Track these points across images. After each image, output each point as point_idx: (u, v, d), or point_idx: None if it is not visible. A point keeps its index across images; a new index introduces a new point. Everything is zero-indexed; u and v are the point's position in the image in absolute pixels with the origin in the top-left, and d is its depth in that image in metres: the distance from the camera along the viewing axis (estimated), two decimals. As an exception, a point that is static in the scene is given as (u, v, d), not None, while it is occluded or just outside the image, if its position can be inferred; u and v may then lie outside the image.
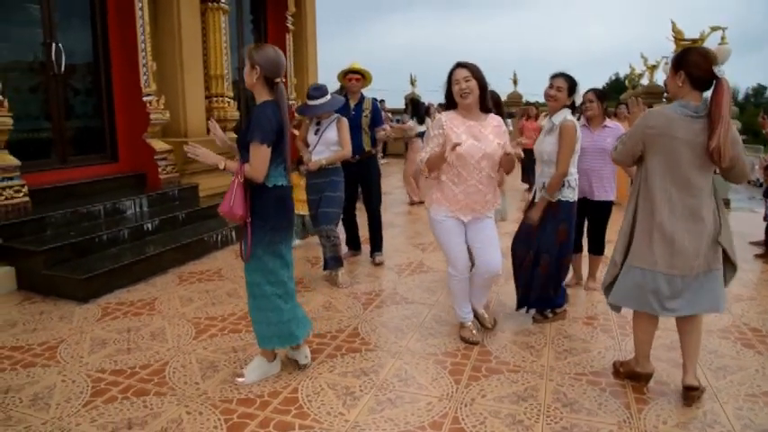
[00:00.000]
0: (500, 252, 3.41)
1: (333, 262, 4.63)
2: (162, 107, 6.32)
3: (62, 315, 3.89)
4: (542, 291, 3.69)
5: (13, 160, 4.52)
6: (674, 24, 8.28)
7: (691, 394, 2.69)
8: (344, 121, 4.61)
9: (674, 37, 8.27)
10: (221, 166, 2.73)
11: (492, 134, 3.23)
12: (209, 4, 7.22)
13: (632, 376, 2.94)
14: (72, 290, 4.14)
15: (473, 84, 3.14)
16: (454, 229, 3.33)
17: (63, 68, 5.40)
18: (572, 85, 3.51)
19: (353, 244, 5.46)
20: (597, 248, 4.50)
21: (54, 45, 5.30)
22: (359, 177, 5.10)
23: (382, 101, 14.51)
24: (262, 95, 2.75)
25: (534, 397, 2.81)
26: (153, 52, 6.26)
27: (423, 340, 3.52)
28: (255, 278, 2.87)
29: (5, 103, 4.47)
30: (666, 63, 10.12)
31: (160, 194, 5.96)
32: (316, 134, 4.56)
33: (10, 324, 3.72)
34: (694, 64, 2.47)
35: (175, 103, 6.64)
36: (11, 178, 4.48)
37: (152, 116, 6.13)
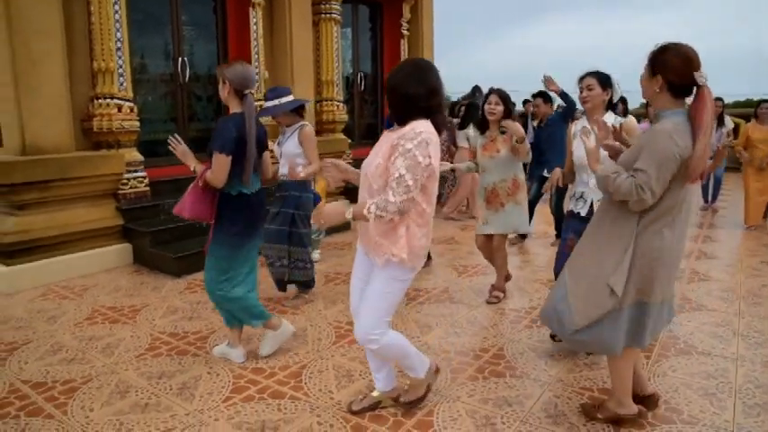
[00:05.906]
0: (369, 318, 2.48)
1: (278, 285, 4.21)
2: (271, 110, 7.08)
3: (156, 286, 4.68)
4: None
5: (138, 156, 5.49)
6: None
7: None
8: (307, 129, 3.89)
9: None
10: (191, 168, 3.05)
11: (384, 148, 2.29)
12: (323, 15, 7.89)
13: (616, 420, 2.53)
14: (168, 266, 4.94)
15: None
16: (356, 261, 2.64)
17: (187, 78, 6.36)
18: (601, 78, 3.26)
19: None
20: None
21: (180, 59, 6.27)
22: None
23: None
24: (233, 107, 3.04)
25: (521, 404, 2.78)
26: (266, 62, 7.05)
27: (445, 338, 3.61)
28: (213, 275, 3.07)
29: (135, 109, 5.45)
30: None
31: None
32: (279, 146, 4.05)
33: (116, 289, 4.59)
34: (673, 70, 2.15)
35: (285, 107, 7.37)
36: (135, 171, 5.45)
37: (261, 119, 6.90)
